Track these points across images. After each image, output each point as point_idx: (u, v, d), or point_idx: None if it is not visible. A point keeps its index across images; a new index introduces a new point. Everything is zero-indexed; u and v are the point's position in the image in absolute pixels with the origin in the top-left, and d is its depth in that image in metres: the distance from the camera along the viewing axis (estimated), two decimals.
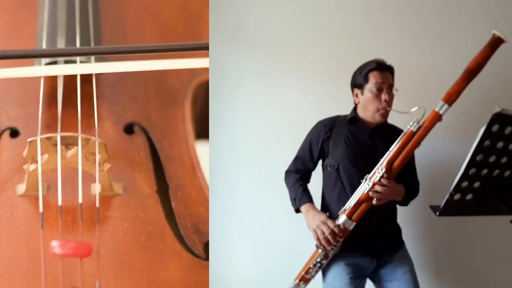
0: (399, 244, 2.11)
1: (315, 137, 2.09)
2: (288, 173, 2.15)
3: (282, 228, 2.61)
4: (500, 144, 1.62)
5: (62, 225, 1.60)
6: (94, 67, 1.76)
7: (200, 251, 1.62)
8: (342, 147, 2.01)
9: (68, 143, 1.57)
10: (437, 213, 1.72)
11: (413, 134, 1.86)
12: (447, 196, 1.67)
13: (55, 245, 1.42)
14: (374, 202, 1.90)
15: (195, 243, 1.64)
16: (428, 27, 2.51)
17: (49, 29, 1.81)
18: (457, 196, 1.67)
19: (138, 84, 1.90)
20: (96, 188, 1.57)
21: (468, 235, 2.55)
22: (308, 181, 2.14)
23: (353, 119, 2.06)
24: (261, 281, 2.67)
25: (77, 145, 1.57)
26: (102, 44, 1.88)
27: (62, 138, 1.56)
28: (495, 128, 1.57)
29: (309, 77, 2.59)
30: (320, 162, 2.12)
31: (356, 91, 2.06)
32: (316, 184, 2.14)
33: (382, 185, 1.88)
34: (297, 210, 2.06)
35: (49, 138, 1.55)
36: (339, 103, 2.38)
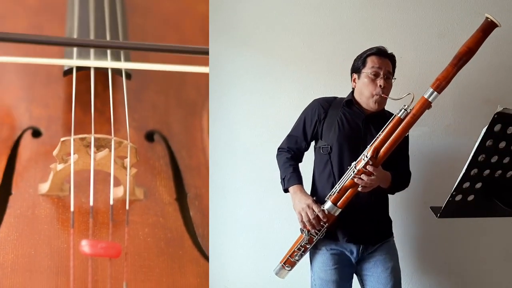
0: (386, 236, 2.08)
1: (309, 116, 2.07)
2: (280, 150, 2.14)
3: (282, 226, 2.64)
4: (502, 144, 1.60)
5: (81, 226, 1.61)
6: (123, 64, 1.78)
7: None
8: (336, 131, 1.99)
9: (100, 145, 1.59)
10: (438, 214, 1.71)
11: (401, 121, 1.83)
12: (448, 197, 1.66)
13: (85, 245, 1.44)
14: (359, 189, 1.88)
15: None
16: (428, 24, 2.54)
17: (79, 32, 1.84)
18: (458, 197, 1.66)
19: (159, 93, 1.93)
20: (127, 191, 1.59)
21: (469, 235, 2.56)
22: (300, 160, 2.12)
23: (349, 102, 2.03)
24: (261, 280, 2.68)
25: (107, 147, 1.59)
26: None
27: (95, 139, 1.58)
28: (497, 128, 1.55)
29: (308, 75, 2.61)
30: (313, 143, 2.10)
31: (354, 75, 2.05)
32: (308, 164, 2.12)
33: (367, 172, 1.86)
34: (286, 190, 2.06)
35: (82, 139, 1.57)
36: None
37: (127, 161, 1.61)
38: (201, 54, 1.73)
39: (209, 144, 1.89)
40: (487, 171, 1.65)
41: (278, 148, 2.15)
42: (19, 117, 1.81)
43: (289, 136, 2.13)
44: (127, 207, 1.56)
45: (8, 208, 1.64)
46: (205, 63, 1.81)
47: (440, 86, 1.77)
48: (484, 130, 1.54)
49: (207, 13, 2.12)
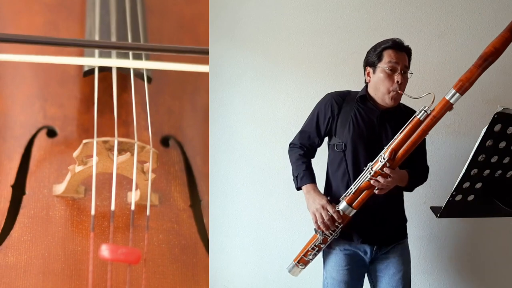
0: (401, 236, 2.05)
1: (322, 111, 2.01)
2: (292, 146, 2.09)
3: (281, 226, 2.65)
4: (502, 144, 1.60)
5: (96, 229, 1.60)
6: (144, 63, 1.77)
7: None
8: (350, 128, 1.94)
9: (122, 149, 1.57)
10: (438, 214, 1.71)
11: (420, 122, 1.77)
12: (448, 197, 1.66)
13: (105, 249, 1.42)
14: (376, 191, 1.84)
15: None
16: (428, 24, 2.54)
17: (101, 32, 1.82)
18: (458, 197, 1.66)
19: (175, 98, 1.91)
20: (148, 197, 1.58)
21: (469, 236, 2.58)
22: (312, 156, 2.08)
23: (364, 97, 1.97)
24: (261, 280, 2.68)
25: (129, 151, 1.57)
26: None
27: (118, 143, 1.56)
28: (497, 127, 1.54)
29: (307, 75, 2.62)
30: (326, 138, 2.06)
31: (368, 69, 1.97)
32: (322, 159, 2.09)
33: (384, 174, 1.81)
34: (298, 188, 2.02)
35: (105, 142, 1.55)
36: None
37: (149, 166, 1.59)
38: (201, 54, 1.70)
39: (209, 144, 1.88)
40: (487, 171, 1.64)
41: (290, 144, 2.10)
42: (33, 116, 1.79)
43: (301, 131, 2.08)
44: (147, 213, 1.55)
45: (22, 208, 1.62)
46: None
47: (463, 87, 1.69)
48: (484, 130, 1.54)
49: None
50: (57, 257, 1.54)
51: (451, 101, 1.71)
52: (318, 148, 2.10)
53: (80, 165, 1.59)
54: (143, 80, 1.75)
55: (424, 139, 1.94)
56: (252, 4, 2.66)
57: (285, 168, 2.41)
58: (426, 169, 2.05)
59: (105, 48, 1.74)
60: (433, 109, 1.75)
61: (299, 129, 2.09)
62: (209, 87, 2.00)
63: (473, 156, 1.57)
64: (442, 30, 2.51)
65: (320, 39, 2.60)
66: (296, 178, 2.02)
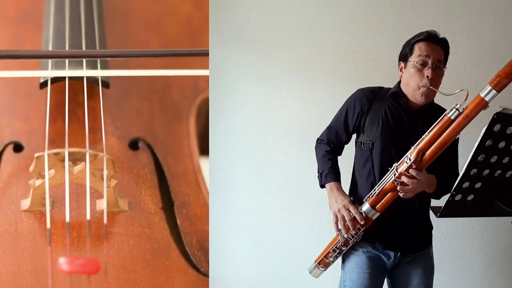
0: (426, 244, 1.96)
1: (352, 107, 1.92)
2: (319, 142, 2.02)
3: (282, 226, 2.62)
4: (502, 144, 1.59)
5: (64, 242, 1.58)
6: (99, 72, 1.74)
7: (205, 269, 1.61)
8: (378, 126, 1.85)
9: (76, 159, 1.55)
10: (438, 214, 1.69)
11: (451, 121, 1.67)
12: (448, 197, 1.64)
13: (63, 262, 1.40)
14: (400, 194, 1.75)
15: (200, 261, 1.63)
16: (429, 24, 2.45)
17: (55, 41, 1.80)
18: (458, 197, 1.65)
19: (143, 99, 1.88)
20: (104, 205, 1.55)
21: (469, 236, 2.55)
22: (339, 153, 2.01)
23: (395, 94, 1.88)
24: (261, 279, 2.67)
25: (84, 160, 1.55)
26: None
27: (69, 154, 1.54)
28: (496, 127, 1.54)
29: (307, 75, 2.60)
30: (354, 136, 1.98)
31: (401, 64, 1.88)
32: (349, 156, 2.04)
33: (410, 176, 1.72)
34: (322, 186, 1.95)
35: (56, 154, 1.53)
36: (338, 102, 2.36)
37: (104, 174, 1.56)
38: (201, 55, 1.70)
39: (209, 145, 1.86)
40: (486, 171, 1.63)
41: (317, 139, 2.03)
42: (1, 132, 1.77)
43: (329, 127, 2.01)
44: (105, 221, 1.52)
45: None
46: (189, 66, 1.76)
47: (501, 83, 1.58)
48: (483, 130, 1.52)
49: (192, 14, 2.07)
50: (26, 273, 1.52)
51: (486, 98, 1.61)
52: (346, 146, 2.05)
53: (39, 178, 1.58)
54: (98, 85, 1.72)
55: (457, 145, 1.85)
56: (252, 5, 2.66)
57: (286, 169, 2.41)
58: (456, 175, 1.85)
59: (74, 57, 1.73)
60: (466, 107, 1.65)
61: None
62: (209, 88, 1.98)
63: (472, 156, 1.56)
64: (442, 30, 2.45)
65: (320, 40, 2.59)
66: (320, 175, 1.96)
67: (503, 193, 1.68)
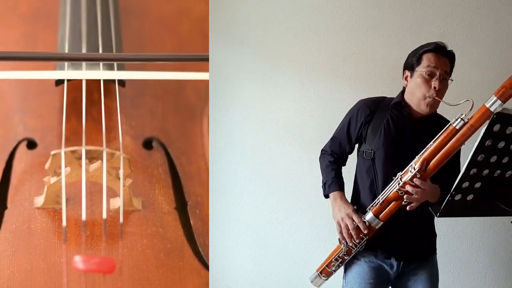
0: (430, 252, 1.96)
1: (354, 118, 1.92)
2: (323, 153, 2.02)
3: (282, 227, 2.62)
4: (501, 144, 1.58)
5: (77, 240, 1.57)
6: (115, 73, 1.74)
7: None
8: (381, 135, 1.85)
9: (92, 157, 1.54)
10: (438, 214, 1.69)
11: (455, 131, 1.66)
12: (447, 197, 1.64)
13: (78, 260, 1.40)
14: (407, 208, 1.74)
15: None
16: (428, 24, 2.51)
17: (71, 41, 1.80)
18: (458, 197, 1.64)
19: (157, 98, 1.88)
20: (120, 204, 1.55)
21: (468, 235, 2.54)
22: (343, 164, 2.00)
23: (398, 104, 1.87)
24: (262, 281, 2.66)
25: (100, 159, 1.55)
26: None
27: (86, 152, 1.53)
28: (496, 127, 1.53)
29: (307, 75, 2.59)
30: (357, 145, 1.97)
31: (406, 73, 1.87)
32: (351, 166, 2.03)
33: (414, 185, 1.71)
34: (326, 196, 1.95)
35: (73, 152, 1.52)
36: (338, 103, 2.38)
37: (120, 173, 1.56)
38: (200, 61, 1.70)
39: (209, 146, 1.85)
40: (486, 171, 1.63)
41: (322, 150, 2.04)
42: (14, 129, 1.77)
43: (332, 138, 2.01)
44: (121, 220, 1.52)
45: (4, 223, 1.60)
46: (205, 69, 1.77)
47: (506, 94, 1.57)
48: (483, 130, 1.52)
49: (206, 14, 2.07)
50: (39, 270, 1.51)
51: (492, 109, 1.59)
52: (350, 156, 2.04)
53: (54, 176, 1.57)
54: (115, 84, 1.72)
55: (459, 154, 1.82)
56: (252, 5, 2.65)
57: (286, 169, 2.41)
58: None
59: (94, 60, 1.73)
60: (471, 117, 1.64)
61: (332, 135, 2.04)
62: (209, 89, 1.97)
63: (472, 156, 1.56)
64: (442, 30, 2.49)
65: (320, 40, 2.58)
66: (324, 185, 1.96)
67: (503, 193, 1.68)
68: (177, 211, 1.69)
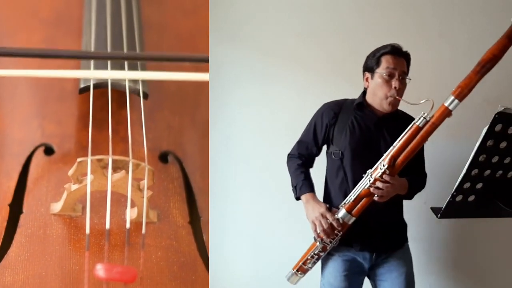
0: (401, 242, 2.05)
1: (319, 121, 2.01)
2: (290, 157, 2.09)
3: (281, 228, 2.62)
4: (503, 144, 1.59)
5: (93, 248, 1.58)
6: (140, 74, 1.76)
7: None
8: (347, 135, 1.94)
9: (117, 167, 1.55)
10: (439, 215, 1.70)
11: (419, 129, 1.76)
12: (449, 198, 1.65)
13: (100, 268, 1.40)
14: (376, 198, 1.83)
15: None
16: (428, 24, 2.52)
17: (96, 48, 1.81)
18: (459, 198, 1.65)
19: (174, 113, 1.90)
20: (143, 215, 1.56)
21: (470, 236, 2.56)
22: (311, 166, 2.08)
23: (361, 104, 1.97)
24: (262, 282, 2.66)
25: (124, 169, 1.56)
26: None
27: (112, 161, 1.54)
28: (498, 127, 1.54)
29: (305, 76, 2.60)
30: (325, 147, 2.05)
31: (367, 74, 1.97)
32: (321, 168, 2.08)
33: (384, 181, 1.81)
34: (298, 198, 2.02)
35: (99, 160, 1.53)
36: None
37: (144, 184, 1.57)
38: (201, 62, 1.69)
39: (209, 147, 1.87)
40: (488, 171, 1.64)
41: (288, 155, 2.10)
42: (32, 133, 1.78)
43: (299, 141, 2.08)
44: (143, 231, 1.52)
45: (19, 227, 1.61)
46: (205, 69, 1.77)
47: (462, 93, 1.68)
48: (485, 130, 1.54)
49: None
50: (54, 276, 1.52)
51: (450, 107, 1.71)
52: (317, 157, 2.10)
53: (76, 183, 1.58)
54: (139, 95, 1.73)
55: (423, 148, 1.94)
56: (252, 6, 2.65)
57: (285, 171, 2.39)
58: (424, 176, 2.05)
59: (101, 58, 1.74)
60: (432, 115, 1.75)
61: (298, 139, 2.09)
62: (209, 91, 1.98)
63: (473, 156, 1.57)
64: (442, 30, 2.51)
65: (320, 40, 2.59)
66: (295, 188, 2.02)
67: (505, 194, 1.70)
68: (190, 225, 1.71)
